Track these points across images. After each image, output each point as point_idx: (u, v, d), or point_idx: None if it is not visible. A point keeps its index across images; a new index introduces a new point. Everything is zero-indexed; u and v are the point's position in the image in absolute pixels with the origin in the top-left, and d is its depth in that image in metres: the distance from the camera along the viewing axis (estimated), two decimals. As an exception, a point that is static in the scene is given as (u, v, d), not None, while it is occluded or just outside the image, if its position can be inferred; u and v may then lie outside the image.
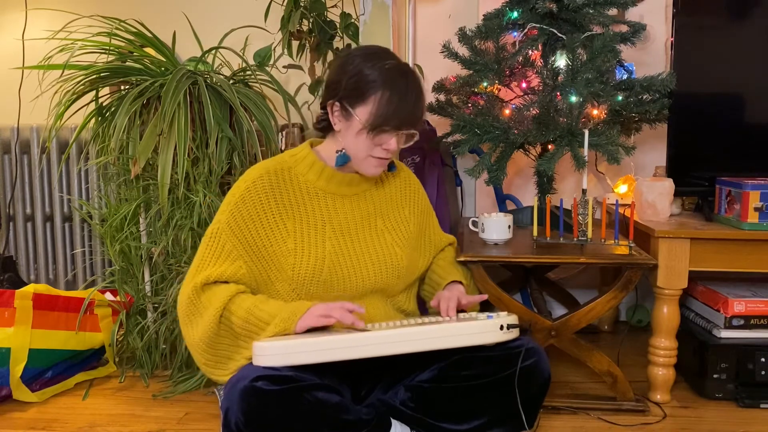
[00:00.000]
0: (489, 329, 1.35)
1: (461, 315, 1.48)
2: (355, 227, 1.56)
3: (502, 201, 2.53)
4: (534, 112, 1.95)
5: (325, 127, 1.57)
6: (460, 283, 1.67)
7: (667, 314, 1.86)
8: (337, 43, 2.42)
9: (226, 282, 1.47)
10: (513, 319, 1.39)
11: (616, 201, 1.88)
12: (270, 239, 1.49)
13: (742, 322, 1.92)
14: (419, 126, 1.50)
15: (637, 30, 2.03)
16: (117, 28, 2.09)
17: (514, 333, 1.39)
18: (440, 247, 1.77)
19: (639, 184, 2.02)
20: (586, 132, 1.85)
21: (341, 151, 1.52)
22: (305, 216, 1.52)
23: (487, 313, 1.43)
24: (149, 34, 2.11)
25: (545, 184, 2.14)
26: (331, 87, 1.50)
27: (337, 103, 1.48)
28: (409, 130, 1.48)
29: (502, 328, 1.36)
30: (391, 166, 1.62)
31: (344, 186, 1.57)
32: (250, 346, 1.40)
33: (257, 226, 1.49)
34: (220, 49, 2.26)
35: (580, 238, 1.80)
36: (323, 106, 1.54)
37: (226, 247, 1.48)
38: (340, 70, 1.49)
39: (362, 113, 1.45)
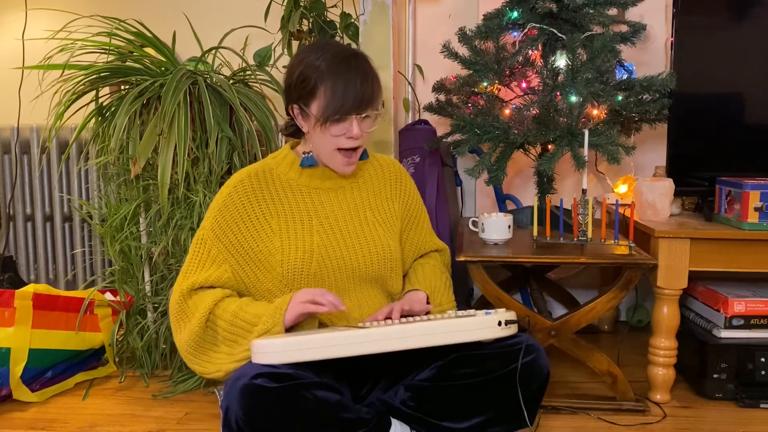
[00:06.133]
0: (487, 325, 1.35)
1: (460, 312, 1.47)
2: (343, 219, 1.56)
3: (502, 201, 2.53)
4: (534, 112, 1.95)
5: (293, 132, 1.59)
6: (424, 293, 1.60)
7: (667, 314, 1.86)
8: (337, 43, 2.42)
9: (212, 287, 1.49)
10: (511, 315, 1.39)
11: (616, 201, 1.88)
12: (256, 240, 1.50)
13: (742, 322, 1.92)
14: (375, 106, 1.49)
15: (637, 30, 2.03)
16: (117, 28, 2.09)
17: (513, 329, 1.39)
18: (423, 251, 1.72)
19: (639, 184, 2.02)
20: (586, 132, 1.85)
21: (308, 153, 1.54)
22: (290, 213, 1.53)
23: (485, 310, 1.43)
24: (149, 34, 2.11)
25: (545, 184, 2.14)
26: (287, 91, 1.53)
27: (295, 106, 1.50)
28: (365, 112, 1.47)
29: (500, 323, 1.36)
30: (363, 155, 1.60)
31: (327, 180, 1.58)
32: (232, 350, 1.42)
33: (242, 228, 1.50)
34: (220, 49, 2.26)
35: (580, 238, 1.80)
36: (287, 112, 1.55)
37: (212, 253, 1.50)
38: (290, 73, 1.51)
39: (315, 109, 1.46)
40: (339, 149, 1.49)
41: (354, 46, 2.33)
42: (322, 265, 1.50)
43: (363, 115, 1.47)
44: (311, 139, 1.52)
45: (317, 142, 1.51)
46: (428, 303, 1.58)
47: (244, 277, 1.51)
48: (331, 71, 1.44)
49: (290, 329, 1.42)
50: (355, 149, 1.51)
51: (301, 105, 1.48)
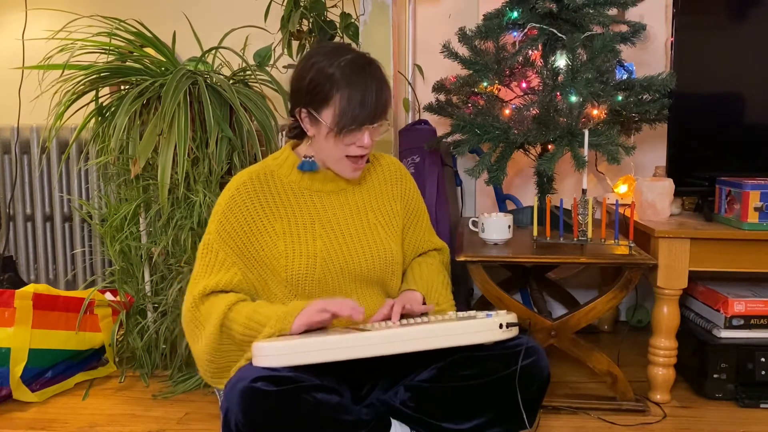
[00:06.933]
0: (488, 328, 1.35)
1: (460, 314, 1.47)
2: (345, 223, 1.55)
3: (502, 201, 2.53)
4: (534, 112, 1.95)
5: (297, 135, 1.57)
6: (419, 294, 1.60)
7: (667, 314, 1.86)
8: (337, 43, 2.42)
9: (224, 291, 1.47)
10: (512, 317, 1.39)
11: (616, 201, 1.88)
12: (260, 243, 1.49)
13: (742, 322, 1.92)
14: (387, 115, 1.49)
15: (637, 30, 2.03)
16: (117, 28, 2.09)
17: (514, 331, 1.39)
18: (422, 250, 1.71)
19: (639, 184, 2.02)
20: (586, 132, 1.85)
21: (310, 157, 1.52)
22: (293, 216, 1.52)
23: (486, 312, 1.43)
24: (149, 34, 2.11)
25: (545, 184, 2.14)
26: (295, 95, 1.50)
27: (303, 110, 1.48)
28: (378, 122, 1.47)
29: (501, 326, 1.36)
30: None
31: (329, 182, 1.57)
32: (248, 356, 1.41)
33: (246, 231, 1.49)
34: (220, 49, 2.26)
35: (580, 238, 1.80)
36: (292, 114, 1.53)
37: (219, 256, 1.48)
38: (300, 76, 1.47)
39: (327, 117, 1.44)
40: (347, 156, 1.49)
41: (354, 46, 2.33)
42: (326, 270, 1.49)
43: (375, 125, 1.47)
44: (317, 143, 1.50)
45: (324, 149, 1.49)
46: (424, 303, 1.57)
47: (253, 280, 1.50)
48: (347, 81, 1.41)
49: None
50: (362, 156, 1.51)
51: (310, 110, 1.46)
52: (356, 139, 1.46)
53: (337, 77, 1.42)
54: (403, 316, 1.48)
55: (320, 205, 1.55)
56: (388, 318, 1.48)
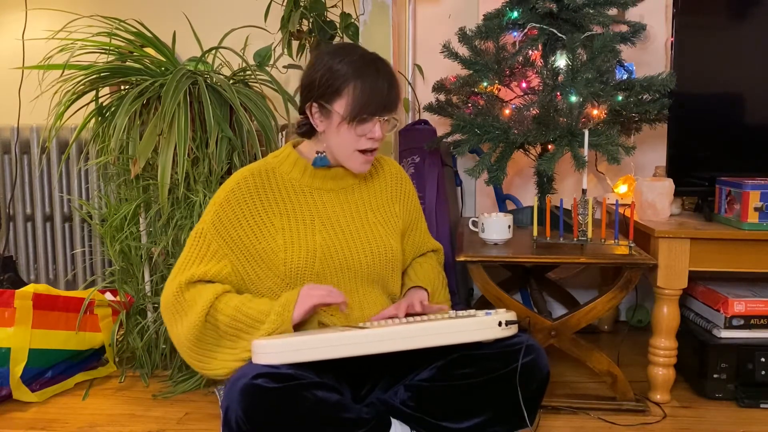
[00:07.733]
0: (487, 326, 1.36)
1: (460, 312, 1.48)
2: (345, 220, 1.56)
3: (502, 201, 2.53)
4: (534, 112, 1.95)
5: (306, 132, 1.58)
6: (425, 291, 1.64)
7: (667, 314, 1.86)
8: (337, 43, 2.42)
9: (210, 281, 1.48)
10: (511, 315, 1.39)
11: (616, 201, 1.88)
12: (258, 237, 1.50)
13: (742, 322, 1.92)
14: (397, 111, 1.52)
15: (637, 30, 2.03)
16: (117, 28, 2.09)
17: (513, 329, 1.40)
18: (421, 251, 1.75)
19: (639, 184, 2.02)
20: (586, 132, 1.85)
21: (322, 153, 1.54)
22: (293, 212, 1.53)
23: (485, 310, 1.43)
24: (149, 34, 2.11)
25: (545, 184, 2.14)
26: (306, 89, 1.52)
27: (315, 104, 1.50)
28: (389, 115, 1.49)
29: (500, 324, 1.36)
30: None
31: (329, 181, 1.58)
32: (234, 345, 1.42)
33: (243, 225, 1.50)
34: (220, 49, 2.26)
35: (580, 238, 1.80)
36: (302, 111, 1.55)
37: (212, 247, 1.49)
38: (311, 71, 1.50)
39: (340, 107, 1.46)
40: (357, 150, 1.50)
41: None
42: (325, 265, 1.50)
43: (386, 118, 1.49)
44: (327, 138, 1.52)
45: (336, 142, 1.50)
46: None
47: (244, 274, 1.50)
48: (359, 73, 1.45)
49: (296, 326, 1.42)
50: (372, 150, 1.52)
51: (322, 103, 1.48)
52: (368, 131, 1.48)
53: (348, 71, 1.45)
54: (406, 315, 1.50)
55: (320, 203, 1.56)
56: (391, 317, 1.48)
